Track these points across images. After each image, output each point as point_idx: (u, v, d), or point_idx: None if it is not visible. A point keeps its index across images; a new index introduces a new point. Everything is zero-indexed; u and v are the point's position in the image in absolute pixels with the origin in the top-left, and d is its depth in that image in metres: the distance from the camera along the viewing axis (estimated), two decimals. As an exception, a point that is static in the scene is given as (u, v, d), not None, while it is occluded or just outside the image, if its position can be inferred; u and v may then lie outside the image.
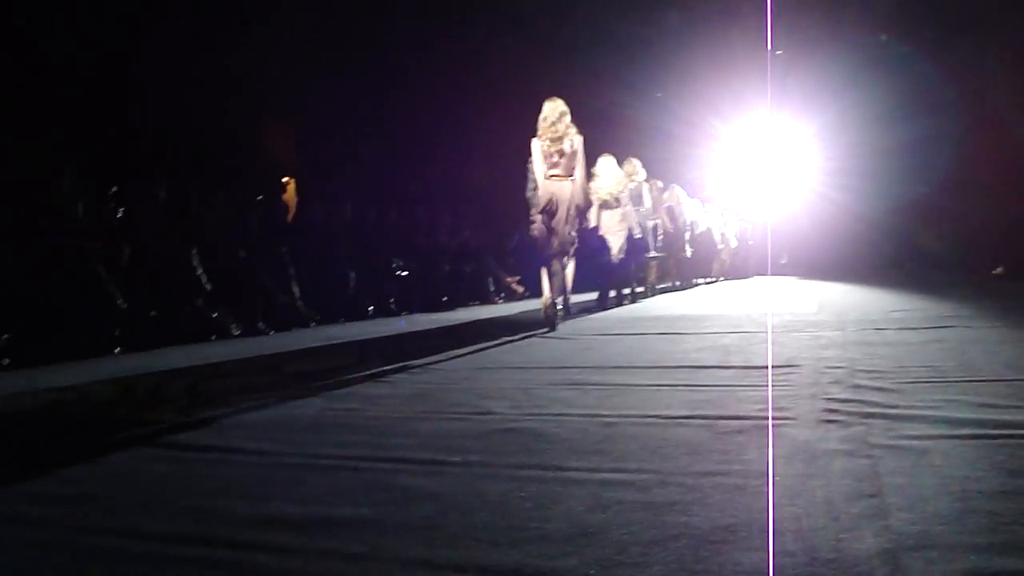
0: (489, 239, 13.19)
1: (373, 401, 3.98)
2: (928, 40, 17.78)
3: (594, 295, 10.30)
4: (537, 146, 7.30)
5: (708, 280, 17.64)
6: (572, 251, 7.64)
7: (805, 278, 17.80)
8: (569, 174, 7.28)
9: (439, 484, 2.50)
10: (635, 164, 11.11)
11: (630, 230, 10.39)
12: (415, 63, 14.29)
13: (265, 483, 2.62)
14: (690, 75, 18.19)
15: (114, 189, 7.74)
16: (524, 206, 7.61)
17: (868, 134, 19.38)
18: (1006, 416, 3.08)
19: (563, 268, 7.57)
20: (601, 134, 11.32)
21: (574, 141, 7.29)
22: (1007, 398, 3.43)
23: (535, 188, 7.32)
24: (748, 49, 17.59)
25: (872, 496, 2.20)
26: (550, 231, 7.29)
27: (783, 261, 22.75)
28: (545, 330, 6.98)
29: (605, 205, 10.05)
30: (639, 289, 11.64)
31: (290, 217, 10.32)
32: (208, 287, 7.55)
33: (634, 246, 10.63)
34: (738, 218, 21.06)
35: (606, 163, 10.14)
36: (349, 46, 13.62)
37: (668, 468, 2.55)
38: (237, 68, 12.03)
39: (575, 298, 8.67)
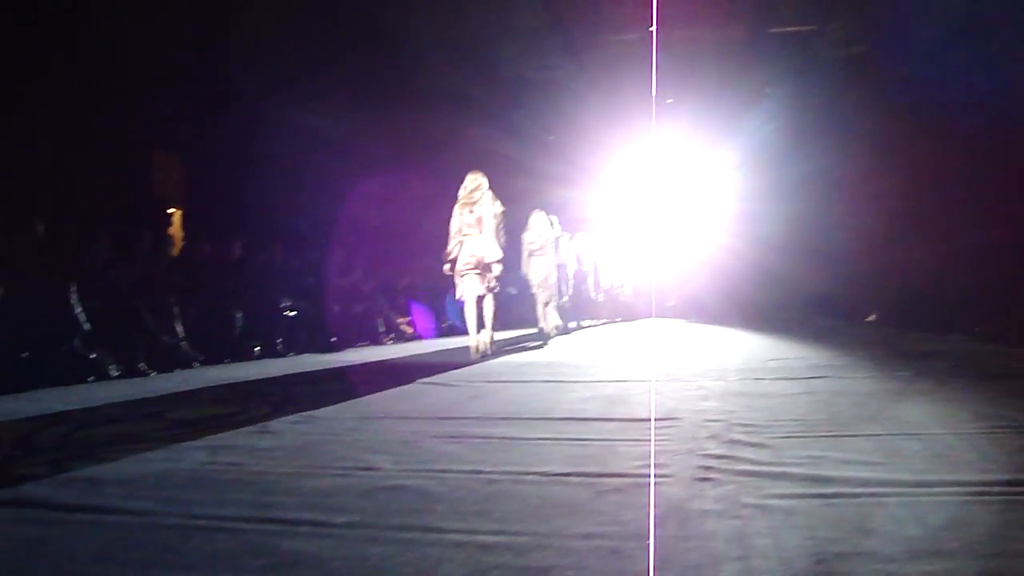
0: (380, 279, 13.16)
1: (256, 454, 3.93)
2: (814, 88, 18.53)
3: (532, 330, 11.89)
4: (456, 211, 9.13)
5: (601, 322, 18.16)
6: (490, 294, 9.12)
7: (692, 321, 18.26)
8: (479, 229, 8.95)
9: (322, 548, 2.49)
10: (553, 219, 12.58)
11: (555, 274, 11.95)
12: (305, 99, 14.21)
13: (142, 547, 2.55)
14: (580, 120, 18.59)
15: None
16: (416, 248, 8.55)
17: (754, 178, 20.09)
18: (867, 473, 3.25)
19: (482, 308, 9.11)
20: (492, 176, 12.06)
21: (485, 206, 9.00)
22: (870, 454, 3.61)
23: (453, 244, 9.06)
24: (636, 95, 18.06)
25: (739, 559, 2.30)
26: (462, 280, 9.03)
27: (670, 304, 23.26)
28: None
29: (534, 254, 11.63)
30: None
31: (175, 252, 10.12)
32: (87, 326, 7.32)
33: (556, 291, 12.20)
34: (627, 260, 21.70)
35: (537, 217, 11.87)
36: (238, 77, 13.45)
37: (547, 530, 2.61)
38: (122, 97, 11.77)
39: (510, 334, 10.47)
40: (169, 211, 13.34)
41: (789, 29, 17.10)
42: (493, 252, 9.05)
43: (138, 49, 12.05)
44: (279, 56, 13.54)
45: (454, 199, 9.22)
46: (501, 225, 9.16)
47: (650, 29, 15.66)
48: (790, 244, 19.56)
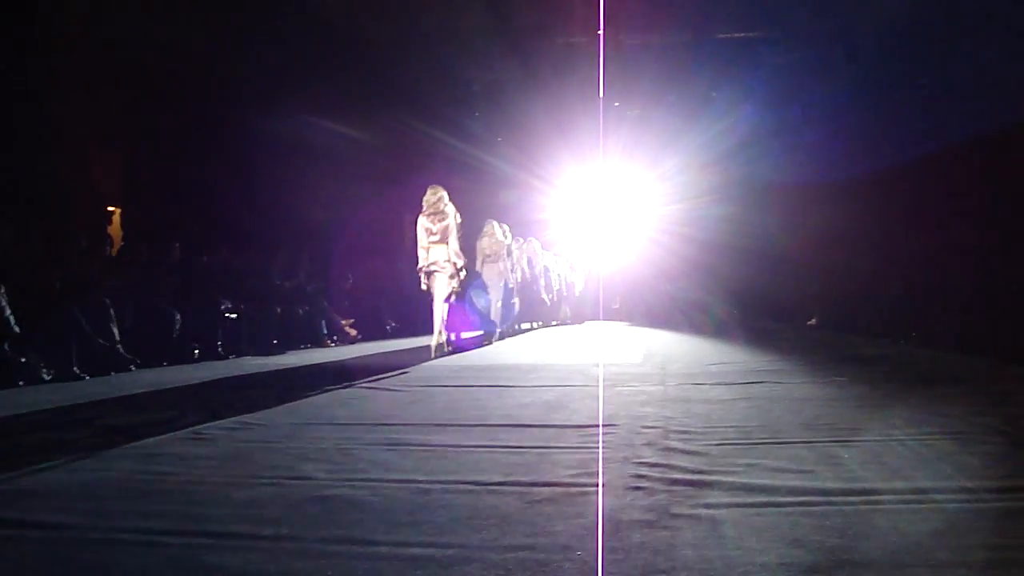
0: (324, 281, 13.04)
1: (188, 462, 3.85)
2: (758, 93, 18.74)
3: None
4: (421, 221, 9.97)
5: (552, 323, 18.35)
6: (452, 298, 10.07)
7: (636, 325, 18.38)
8: (444, 240, 9.87)
9: (246, 562, 2.45)
10: (505, 228, 13.32)
11: (506, 280, 12.84)
12: (250, 99, 14.05)
13: (62, 565, 2.48)
14: (528, 122, 18.62)
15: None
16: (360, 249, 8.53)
17: (699, 181, 20.28)
18: (796, 482, 3.28)
19: (445, 310, 9.99)
20: (439, 176, 12.37)
21: (448, 217, 9.88)
22: (801, 462, 3.65)
23: (422, 260, 9.94)
24: (584, 98, 18.13)
25: (664, 572, 2.30)
26: (430, 283, 9.94)
27: (615, 306, 23.39)
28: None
29: (488, 260, 12.47)
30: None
31: (113, 252, 9.91)
32: (16, 329, 7.13)
33: (508, 293, 13.11)
34: (574, 262, 21.82)
35: (490, 226, 12.67)
36: (184, 75, 13.25)
37: (476, 542, 2.59)
38: (59, 88, 11.53)
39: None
40: (109, 209, 13.08)
41: (735, 35, 17.31)
42: (458, 255, 10.00)
43: (81, 45, 11.84)
44: (226, 55, 13.37)
45: (400, 199, 9.78)
46: (459, 233, 10.11)
47: (598, 33, 15.74)
48: (733, 247, 19.76)
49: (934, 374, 7.52)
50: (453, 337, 10.75)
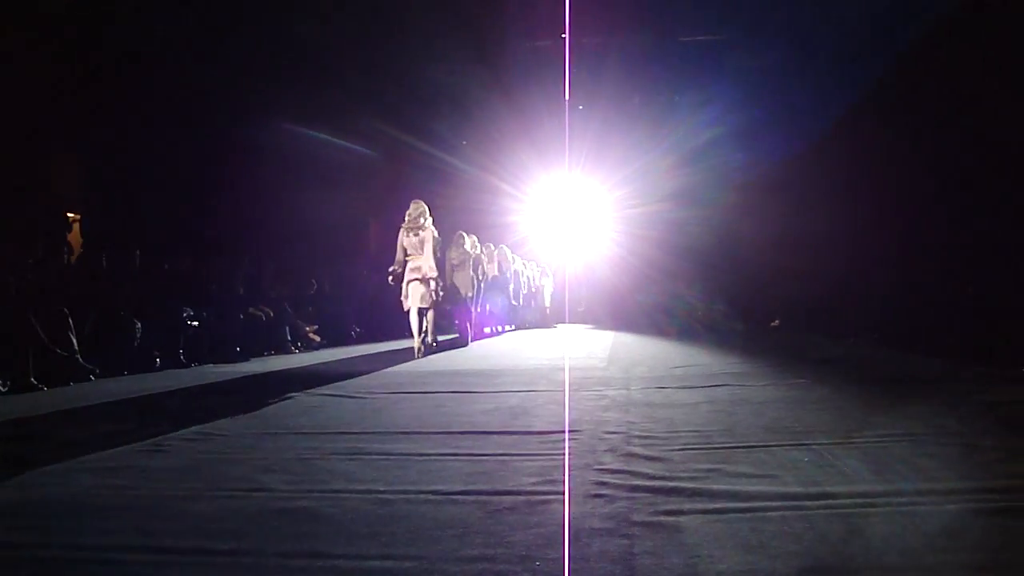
0: (288, 287, 12.94)
1: (146, 475, 3.80)
2: (721, 96, 18.85)
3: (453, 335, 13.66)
4: (401, 234, 10.63)
5: (523, 327, 18.50)
6: (431, 305, 10.72)
7: (602, 328, 18.42)
8: (421, 252, 10.53)
9: (200, 578, 2.43)
10: (474, 238, 14.14)
11: (474, 286, 13.58)
12: (211, 104, 13.93)
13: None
14: (492, 126, 18.63)
15: None
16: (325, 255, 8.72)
17: (664, 185, 20.39)
18: (755, 487, 3.31)
19: (424, 317, 10.72)
20: (405, 180, 12.51)
21: (427, 230, 10.58)
22: (761, 466, 3.68)
23: (397, 263, 10.62)
24: (548, 102, 18.17)
25: (622, 582, 2.31)
26: (408, 293, 10.58)
27: (581, 309, 23.46)
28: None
29: (456, 268, 13.08)
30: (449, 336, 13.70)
31: (72, 259, 9.77)
32: (-28, 339, 7.02)
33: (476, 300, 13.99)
34: (545, 267, 21.95)
35: (460, 237, 13.32)
36: (144, 79, 13.10)
37: (435, 553, 2.58)
38: (16, 92, 11.36)
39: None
40: (68, 216, 12.87)
41: (698, 38, 17.41)
42: (432, 269, 10.63)
43: (40, 48, 11.69)
44: (188, 60, 13.25)
45: (365, 204, 9.90)
46: (438, 247, 10.88)
47: (562, 36, 15.77)
48: (697, 250, 19.89)
49: (893, 375, 7.61)
50: (437, 339, 11.52)
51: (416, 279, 10.56)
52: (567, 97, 17.90)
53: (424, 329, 10.78)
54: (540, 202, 21.59)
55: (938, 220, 11.75)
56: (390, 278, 10.82)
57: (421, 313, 10.69)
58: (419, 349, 10.60)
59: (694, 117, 19.23)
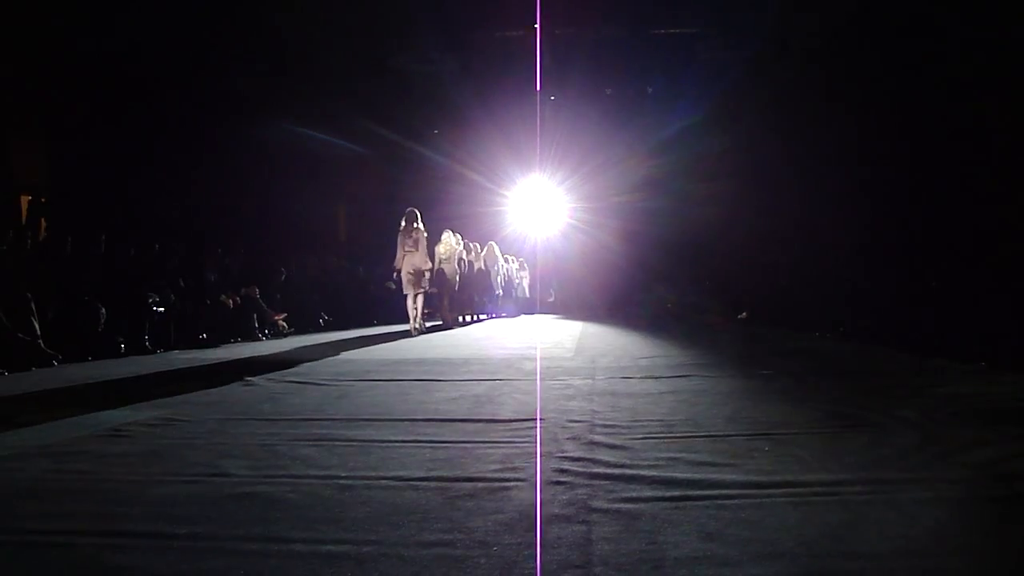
0: (256, 274, 12.85)
1: (105, 460, 3.76)
2: (694, 89, 18.91)
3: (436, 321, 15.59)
4: (400, 237, 12.95)
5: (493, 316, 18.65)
6: (422, 292, 13.16)
7: (570, 318, 18.48)
8: (416, 249, 12.89)
9: (157, 563, 2.40)
10: (458, 236, 16.00)
11: (458, 276, 15.77)
12: (178, 87, 13.79)
13: (-36, 566, 2.42)
14: (464, 116, 18.61)
15: None
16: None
17: (634, 176, 20.45)
18: (715, 475, 3.33)
19: (416, 302, 13.01)
20: (374, 168, 12.62)
21: (419, 232, 12.94)
22: (721, 455, 3.71)
23: (398, 262, 13.00)
24: (520, 93, 18.18)
25: (579, 567, 2.32)
26: (406, 282, 12.95)
27: (550, 299, 23.53)
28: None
29: (443, 261, 15.12)
30: (436, 323, 15.58)
31: (35, 243, 9.65)
32: (-69, 323, 6.92)
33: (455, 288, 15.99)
34: (522, 261, 22.09)
35: (447, 235, 15.41)
36: (110, 63, 12.93)
37: (393, 538, 2.58)
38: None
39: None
40: (28, 200, 12.68)
41: (670, 31, 17.47)
42: (425, 264, 13.16)
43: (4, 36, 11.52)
44: (153, 45, 13.10)
45: (335, 192, 10.32)
46: (428, 244, 13.25)
47: (534, 26, 15.76)
48: (667, 242, 19.96)
49: (856, 367, 7.69)
50: (424, 324, 13.60)
51: (411, 271, 12.83)
52: (538, 87, 17.91)
53: (417, 311, 12.99)
54: (512, 193, 21.61)
55: (904, 215, 11.88)
56: (394, 274, 13.47)
57: (416, 298, 12.92)
58: (415, 328, 12.85)
59: (665, 107, 19.32)
